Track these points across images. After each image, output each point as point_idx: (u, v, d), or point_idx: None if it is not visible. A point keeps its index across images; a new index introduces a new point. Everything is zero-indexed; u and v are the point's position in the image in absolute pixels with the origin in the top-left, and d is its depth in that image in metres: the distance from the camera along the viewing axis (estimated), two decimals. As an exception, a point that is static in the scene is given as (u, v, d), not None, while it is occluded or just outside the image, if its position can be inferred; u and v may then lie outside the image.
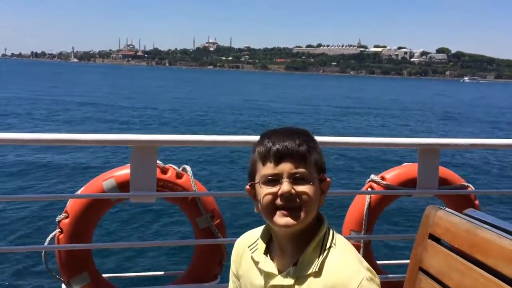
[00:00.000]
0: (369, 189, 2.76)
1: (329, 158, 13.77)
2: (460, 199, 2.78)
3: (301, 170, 1.15)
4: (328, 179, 1.22)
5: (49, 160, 12.22)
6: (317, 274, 1.12)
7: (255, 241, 1.29)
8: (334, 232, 1.20)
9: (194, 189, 2.49)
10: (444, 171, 2.74)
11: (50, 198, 8.30)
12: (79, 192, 2.46)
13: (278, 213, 1.14)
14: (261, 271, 1.23)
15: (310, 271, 1.13)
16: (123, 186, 2.38)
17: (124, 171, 2.41)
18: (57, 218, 2.45)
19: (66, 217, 2.42)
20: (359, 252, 2.66)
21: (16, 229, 7.23)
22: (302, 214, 1.14)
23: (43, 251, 2.50)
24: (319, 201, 1.19)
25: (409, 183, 2.66)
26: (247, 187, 1.24)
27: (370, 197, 2.73)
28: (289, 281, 1.15)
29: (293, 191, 1.13)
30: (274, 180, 1.15)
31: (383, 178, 2.75)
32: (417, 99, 54.84)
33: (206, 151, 13.57)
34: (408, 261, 1.60)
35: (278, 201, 1.14)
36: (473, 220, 1.39)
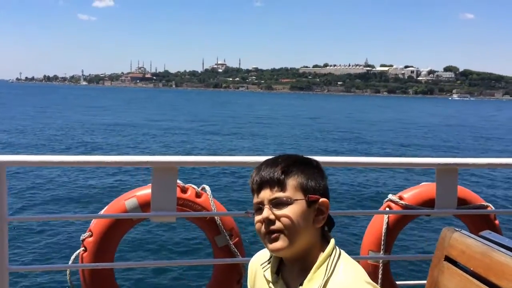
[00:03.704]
0: (387, 209, 2.76)
1: (347, 178, 13.68)
2: (479, 219, 2.75)
3: (278, 194, 1.19)
4: (323, 199, 1.22)
5: (77, 180, 12.57)
6: None
7: (267, 260, 1.33)
8: (341, 252, 1.22)
9: (213, 209, 2.54)
10: (463, 191, 2.71)
11: (75, 218, 8.53)
12: (103, 211, 2.55)
13: (266, 239, 1.21)
14: None
15: None
16: (145, 205, 2.44)
17: (145, 191, 2.48)
18: (81, 237, 2.53)
19: (90, 236, 2.49)
20: (377, 272, 2.67)
21: (43, 247, 7.41)
22: (286, 237, 1.18)
23: (68, 270, 2.59)
24: (316, 222, 1.22)
25: (428, 203, 2.65)
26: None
27: (388, 217, 2.72)
28: None
29: (271, 216, 1.18)
30: (259, 208, 1.22)
31: (401, 198, 2.74)
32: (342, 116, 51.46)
33: (224, 171, 13.73)
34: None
35: (263, 228, 1.20)
36: (488, 243, 1.39)
